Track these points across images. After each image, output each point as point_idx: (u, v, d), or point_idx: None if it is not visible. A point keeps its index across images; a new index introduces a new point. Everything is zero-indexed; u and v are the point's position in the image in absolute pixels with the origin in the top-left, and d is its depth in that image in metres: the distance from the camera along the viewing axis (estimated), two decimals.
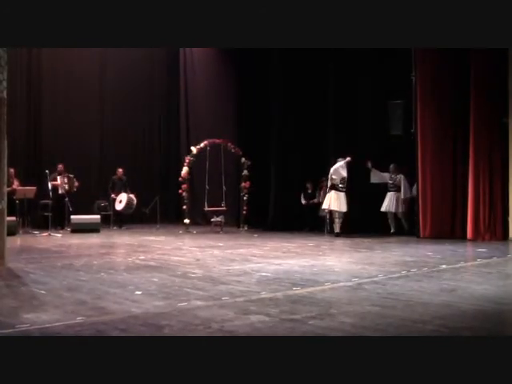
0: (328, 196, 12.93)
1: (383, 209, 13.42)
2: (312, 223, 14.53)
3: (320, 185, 14.47)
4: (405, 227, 13.30)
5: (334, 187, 12.83)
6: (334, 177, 12.79)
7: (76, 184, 14.67)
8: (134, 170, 16.88)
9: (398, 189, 13.31)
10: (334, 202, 12.79)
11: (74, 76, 16.19)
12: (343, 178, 12.80)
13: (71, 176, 14.69)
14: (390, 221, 13.45)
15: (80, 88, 16.30)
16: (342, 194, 12.86)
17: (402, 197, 13.24)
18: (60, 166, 14.62)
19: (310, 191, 14.65)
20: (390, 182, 13.40)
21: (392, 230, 13.34)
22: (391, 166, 13.38)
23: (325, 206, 13.02)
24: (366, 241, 11.65)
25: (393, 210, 13.35)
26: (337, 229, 12.95)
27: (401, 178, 13.28)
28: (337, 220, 12.97)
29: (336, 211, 12.90)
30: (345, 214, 13.04)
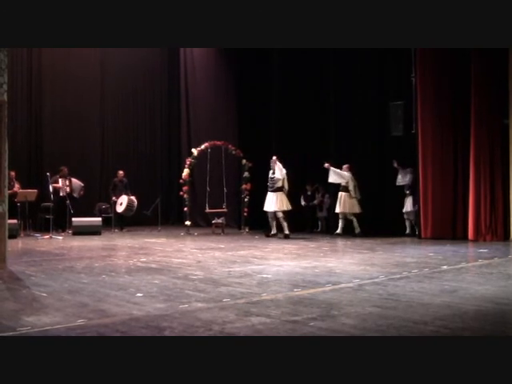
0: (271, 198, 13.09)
1: (337, 210, 13.37)
2: (312, 225, 14.65)
3: (316, 186, 14.59)
4: (356, 229, 13.24)
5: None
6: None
7: (81, 193, 14.73)
8: (135, 172, 16.91)
9: (345, 189, 13.25)
10: (270, 203, 12.99)
11: (74, 78, 16.20)
12: (271, 178, 13.04)
13: (82, 185, 14.74)
14: (339, 220, 13.42)
15: (80, 90, 16.32)
16: (270, 194, 13.03)
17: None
18: (64, 169, 14.62)
19: (309, 193, 14.66)
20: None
21: (338, 231, 13.32)
22: (344, 166, 13.34)
23: (269, 208, 13.07)
24: (367, 242, 11.65)
25: (345, 210, 13.25)
26: (286, 230, 12.91)
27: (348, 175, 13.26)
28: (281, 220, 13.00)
29: (276, 211, 12.97)
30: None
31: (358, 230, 13.14)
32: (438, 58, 11.95)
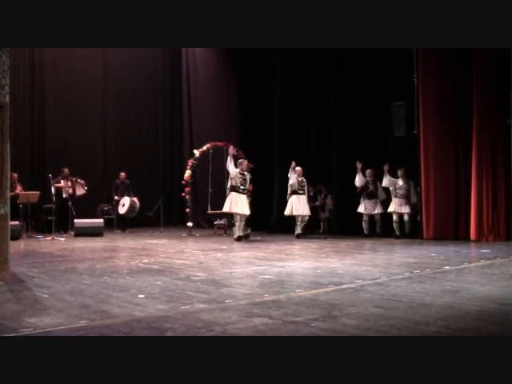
0: (228, 199, 12.72)
1: (290, 212, 13.36)
2: (314, 225, 14.65)
3: (318, 187, 14.61)
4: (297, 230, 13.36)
5: (234, 189, 12.69)
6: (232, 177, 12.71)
7: (82, 182, 14.66)
8: (138, 174, 16.91)
9: (304, 192, 13.47)
10: (235, 204, 12.57)
11: (76, 79, 16.21)
12: (244, 179, 12.74)
13: (82, 182, 14.69)
14: (298, 223, 13.41)
15: (82, 91, 16.33)
16: (244, 197, 12.72)
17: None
18: (66, 170, 14.63)
19: (311, 194, 14.64)
20: (299, 185, 13.43)
21: (299, 232, 13.34)
22: (297, 168, 13.37)
23: (225, 209, 12.78)
24: (369, 242, 11.65)
25: (301, 212, 13.32)
26: (237, 232, 12.63)
27: (304, 182, 13.41)
28: (237, 223, 12.69)
29: (237, 214, 12.63)
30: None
31: (299, 231, 13.33)
32: (439, 58, 11.94)
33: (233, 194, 12.65)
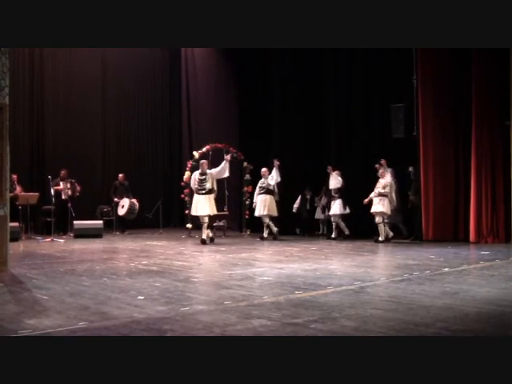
0: (194, 201, 12.66)
1: (257, 213, 13.48)
2: (310, 227, 14.63)
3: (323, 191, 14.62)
4: (273, 230, 13.35)
5: (196, 191, 12.64)
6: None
7: (78, 189, 14.64)
8: (137, 175, 16.91)
9: (267, 191, 13.43)
10: (195, 207, 12.53)
11: (75, 79, 16.21)
12: (202, 180, 12.59)
13: (72, 181, 14.66)
14: (266, 225, 13.45)
15: (82, 91, 16.32)
16: (202, 197, 12.52)
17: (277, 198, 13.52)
18: (63, 172, 14.63)
19: (308, 197, 14.60)
20: (261, 185, 13.50)
21: (274, 232, 13.33)
22: (263, 169, 13.50)
23: (192, 212, 12.81)
24: (369, 244, 11.65)
25: (264, 212, 13.36)
26: (203, 235, 12.52)
27: (267, 182, 13.44)
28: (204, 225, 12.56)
29: (200, 216, 12.53)
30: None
31: (276, 230, 13.28)
32: (439, 60, 11.96)
33: (194, 196, 12.72)
